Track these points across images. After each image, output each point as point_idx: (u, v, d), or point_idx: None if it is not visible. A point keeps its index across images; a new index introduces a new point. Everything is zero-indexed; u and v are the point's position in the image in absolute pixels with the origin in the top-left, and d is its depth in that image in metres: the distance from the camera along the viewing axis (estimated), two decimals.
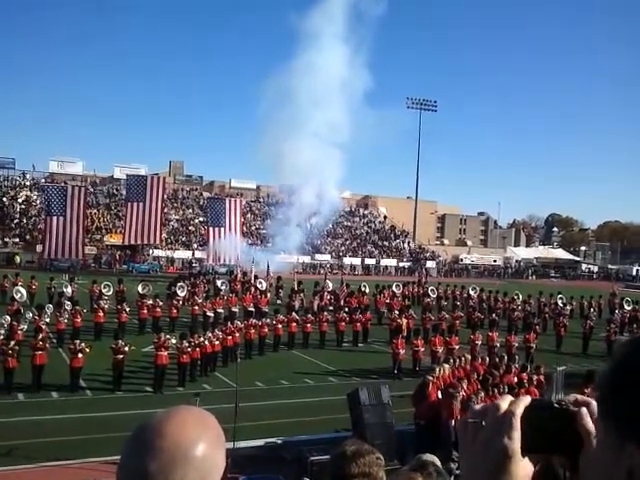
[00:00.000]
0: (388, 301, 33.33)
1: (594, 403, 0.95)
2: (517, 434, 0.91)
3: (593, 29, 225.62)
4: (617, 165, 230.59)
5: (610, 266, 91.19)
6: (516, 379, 15.82)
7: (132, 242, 55.14)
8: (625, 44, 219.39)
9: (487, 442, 0.92)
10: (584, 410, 0.93)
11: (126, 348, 17.95)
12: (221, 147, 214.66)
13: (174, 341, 18.71)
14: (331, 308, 30.10)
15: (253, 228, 71.47)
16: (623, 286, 61.07)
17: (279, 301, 33.51)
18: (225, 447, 1.22)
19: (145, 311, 26.32)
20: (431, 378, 14.54)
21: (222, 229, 53.73)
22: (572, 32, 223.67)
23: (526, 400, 0.95)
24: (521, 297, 35.38)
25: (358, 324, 26.46)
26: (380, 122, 70.48)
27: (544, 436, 0.92)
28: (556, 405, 0.94)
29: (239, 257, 48.92)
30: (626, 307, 35.85)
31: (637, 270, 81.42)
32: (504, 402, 0.95)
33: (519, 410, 0.92)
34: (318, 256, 67.03)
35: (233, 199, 59.02)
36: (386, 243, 78.20)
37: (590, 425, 0.91)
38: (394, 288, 36.92)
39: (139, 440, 1.15)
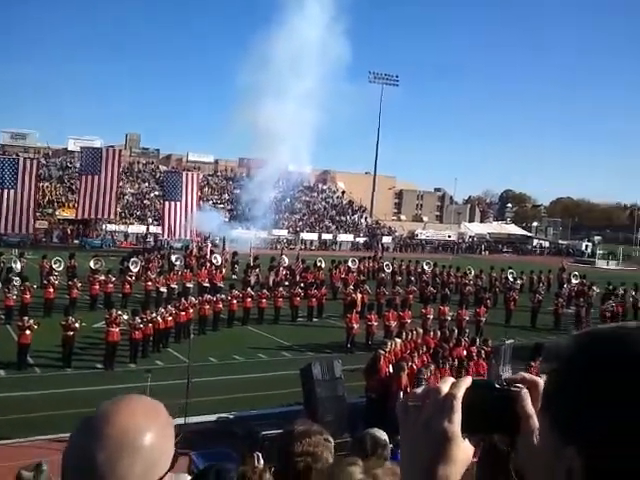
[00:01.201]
0: (343, 276, 33.53)
1: (541, 383, 0.94)
2: (458, 417, 0.90)
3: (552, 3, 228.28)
4: (571, 143, 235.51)
5: (561, 242, 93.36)
6: (465, 352, 16.18)
7: (85, 216, 53.87)
8: (579, 15, 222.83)
9: (427, 425, 0.91)
10: (525, 392, 0.92)
11: (77, 324, 17.69)
12: (179, 120, 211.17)
13: (126, 317, 18.53)
14: (287, 283, 30.15)
15: (210, 202, 70.70)
16: (572, 261, 62.71)
17: (235, 276, 33.39)
18: (174, 437, 1.23)
19: (97, 287, 25.86)
20: (383, 352, 14.77)
21: (178, 203, 52.97)
22: (534, 9, 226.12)
23: (467, 381, 0.94)
24: (473, 272, 35.91)
25: (313, 299, 26.60)
26: (341, 95, 70.12)
27: (485, 417, 0.92)
28: (497, 386, 0.94)
29: (195, 231, 48.57)
30: (574, 281, 36.92)
31: (586, 246, 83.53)
32: (445, 385, 0.94)
33: (460, 393, 0.92)
34: (275, 231, 66.79)
35: (190, 173, 58.06)
36: (343, 218, 78.41)
37: (529, 408, 0.91)
38: (350, 263, 37.10)
39: (87, 428, 1.15)
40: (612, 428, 0.74)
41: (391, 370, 14.44)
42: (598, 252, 72.94)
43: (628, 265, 66.55)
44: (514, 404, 0.91)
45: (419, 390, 0.97)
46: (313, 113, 59.68)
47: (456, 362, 15.40)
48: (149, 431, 1.15)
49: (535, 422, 0.89)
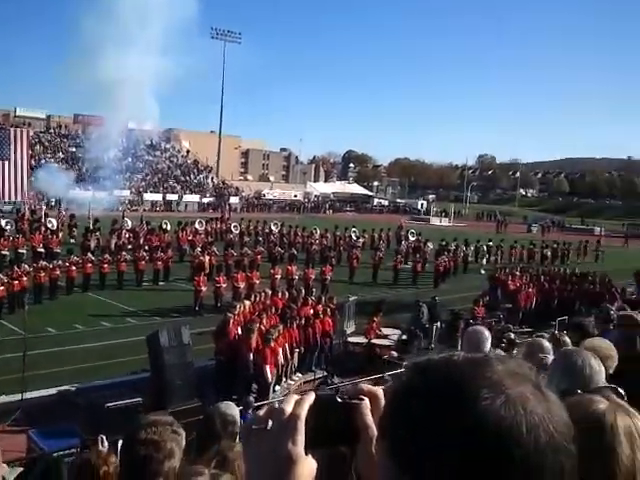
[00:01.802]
0: (190, 238, 32.96)
1: (380, 394, 0.97)
2: (301, 438, 0.90)
3: None
4: (407, 105, 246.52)
5: (399, 200, 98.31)
6: (312, 311, 16.61)
7: None
8: None
9: (272, 448, 0.91)
10: (365, 403, 0.94)
11: None
12: (4, 71, 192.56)
13: None
14: (130, 247, 29.09)
15: (43, 161, 65.90)
16: (409, 219, 66.36)
17: (73, 240, 31.66)
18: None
19: None
20: (231, 315, 14.80)
21: (6, 162, 48.80)
22: None
23: (310, 399, 0.94)
24: (319, 231, 36.83)
25: (159, 263, 25.92)
26: (186, 51, 67.42)
27: (328, 432, 0.93)
28: (339, 399, 0.95)
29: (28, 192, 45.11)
30: (411, 238, 39.20)
31: (422, 204, 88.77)
32: (288, 405, 0.93)
33: (303, 412, 0.92)
34: (116, 192, 63.80)
35: (19, 129, 53.51)
36: (189, 178, 76.67)
37: (368, 419, 0.93)
38: (197, 225, 36.52)
39: None
40: (441, 459, 0.77)
41: (240, 332, 14.54)
42: (432, 210, 77.76)
43: (459, 222, 71.71)
44: (355, 416, 0.93)
45: (262, 412, 0.97)
46: (155, 68, 56.93)
47: (303, 321, 15.79)
48: None
49: (374, 431, 0.92)
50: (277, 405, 0.96)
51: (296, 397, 0.95)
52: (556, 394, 0.85)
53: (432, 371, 0.84)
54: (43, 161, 64.66)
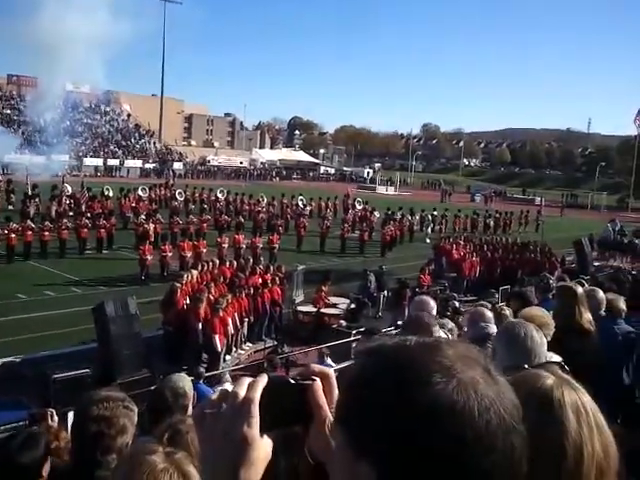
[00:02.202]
0: (134, 205, 32.27)
1: (331, 373, 0.99)
2: (255, 420, 0.91)
3: None
4: (355, 73, 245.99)
5: (345, 168, 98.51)
6: (261, 280, 16.60)
7: None
8: None
9: (226, 432, 0.91)
10: (317, 384, 0.96)
11: None
12: None
13: None
14: (71, 214, 28.30)
15: None
16: (356, 187, 66.59)
17: (11, 207, 30.58)
18: None
19: None
20: (179, 285, 14.65)
21: None
22: None
23: (263, 381, 0.94)
24: (265, 199, 36.64)
25: (102, 230, 25.31)
26: (127, 11, 65.15)
27: (282, 413, 0.94)
28: (292, 381, 0.96)
29: None
30: (357, 207, 39.41)
31: (368, 172, 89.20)
32: (241, 388, 0.94)
33: (257, 395, 0.92)
34: (54, 156, 61.70)
35: None
36: (130, 143, 74.69)
37: (321, 399, 0.95)
38: (140, 191, 35.70)
39: None
40: (395, 444, 0.78)
41: (188, 302, 14.42)
42: (378, 178, 78.23)
43: (404, 190, 72.43)
44: (307, 396, 0.96)
45: (214, 396, 0.97)
46: (93, 28, 55.05)
47: (252, 290, 15.77)
48: None
49: (326, 411, 0.94)
50: (230, 389, 0.96)
51: (249, 380, 0.96)
52: (501, 369, 0.88)
53: (385, 356, 0.86)
54: None
